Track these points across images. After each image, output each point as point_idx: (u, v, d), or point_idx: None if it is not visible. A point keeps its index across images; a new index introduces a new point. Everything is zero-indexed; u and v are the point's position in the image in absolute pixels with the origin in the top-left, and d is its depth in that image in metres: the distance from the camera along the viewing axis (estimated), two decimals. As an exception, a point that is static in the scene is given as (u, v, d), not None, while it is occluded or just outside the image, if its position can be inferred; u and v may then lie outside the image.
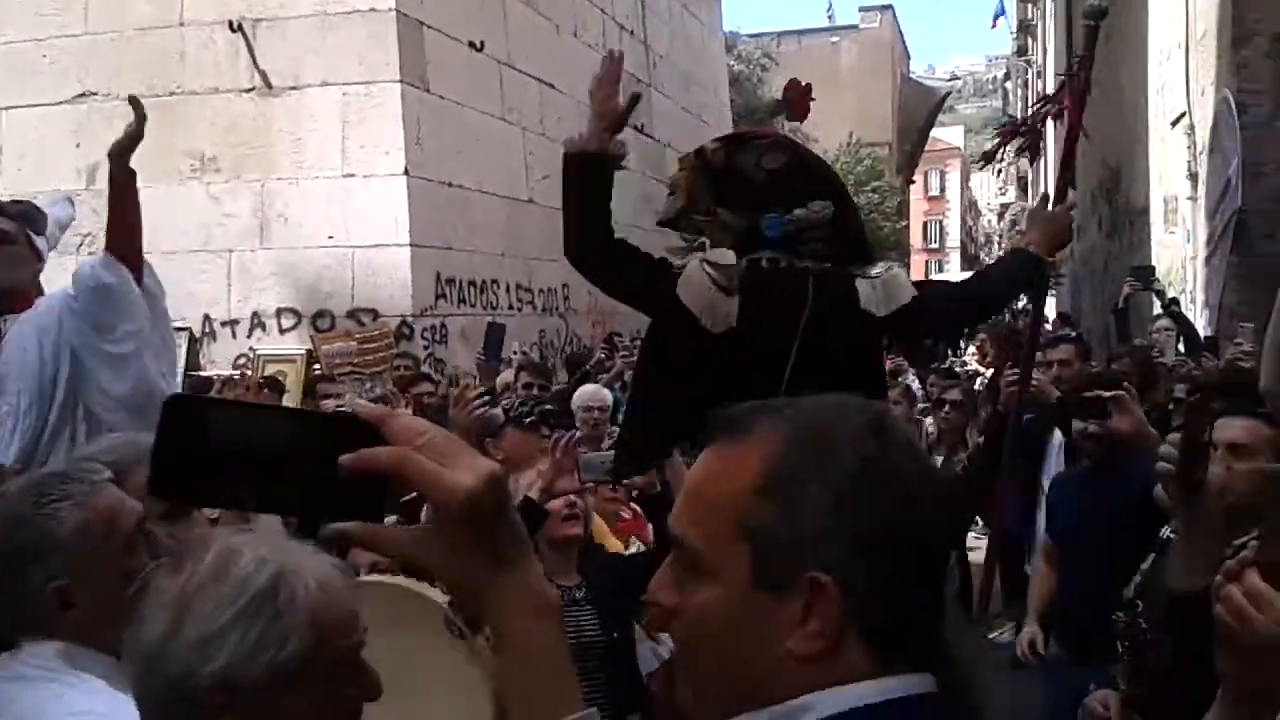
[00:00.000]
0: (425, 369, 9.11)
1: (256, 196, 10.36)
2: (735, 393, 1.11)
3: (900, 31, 53.15)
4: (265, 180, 10.35)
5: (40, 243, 3.73)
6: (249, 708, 1.32)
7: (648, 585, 1.10)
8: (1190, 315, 8.38)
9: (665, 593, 1.07)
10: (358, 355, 9.60)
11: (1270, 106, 7.87)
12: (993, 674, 3.76)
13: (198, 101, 10.41)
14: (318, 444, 0.97)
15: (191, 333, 9.85)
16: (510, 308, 11.88)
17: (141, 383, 3.56)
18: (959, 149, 61.09)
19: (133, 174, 3.54)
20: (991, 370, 8.40)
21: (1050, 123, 4.44)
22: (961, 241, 60.34)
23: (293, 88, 10.33)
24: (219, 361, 10.02)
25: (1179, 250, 10.43)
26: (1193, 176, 9.76)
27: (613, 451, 3.57)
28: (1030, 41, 35.47)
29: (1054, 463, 5.08)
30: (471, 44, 11.53)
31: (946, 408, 6.31)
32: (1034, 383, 4.57)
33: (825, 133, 27.91)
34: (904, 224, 42.16)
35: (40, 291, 3.72)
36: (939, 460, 6.06)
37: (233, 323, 10.32)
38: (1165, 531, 2.96)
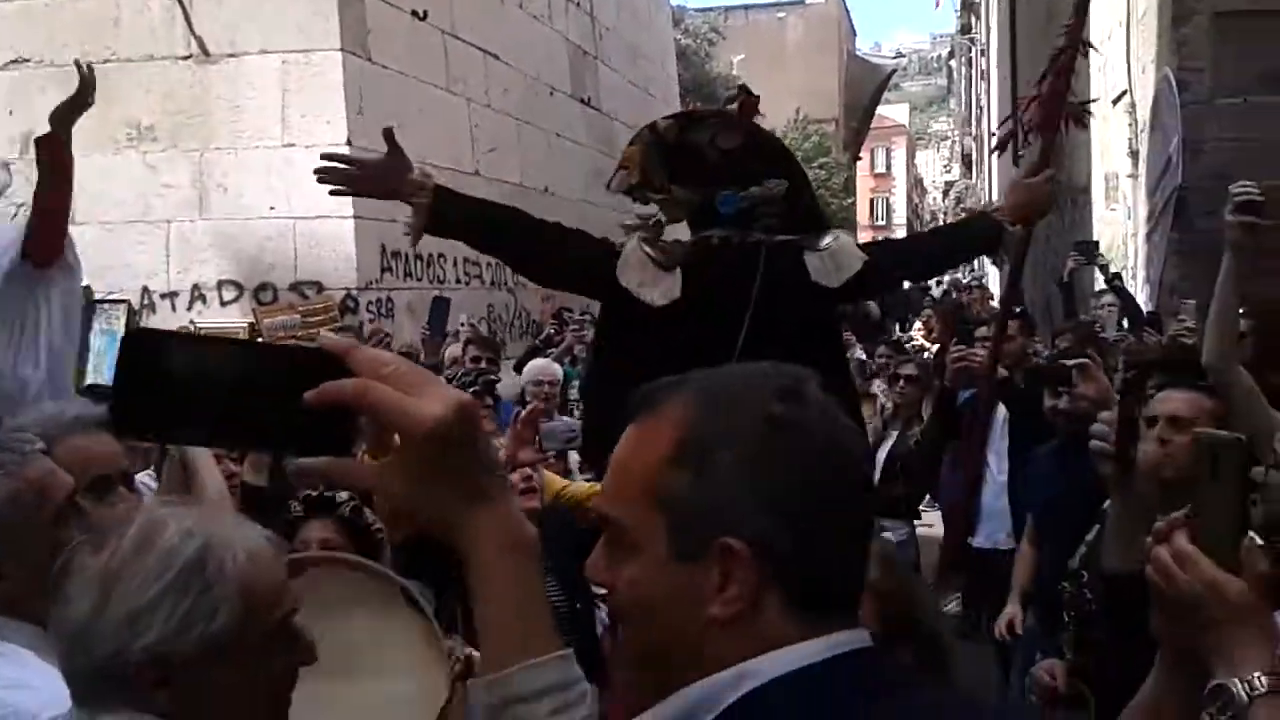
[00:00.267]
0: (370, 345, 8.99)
1: (195, 166, 10.16)
2: (687, 368, 1.09)
3: (846, 7, 53.29)
4: (204, 150, 10.16)
5: None
6: (182, 682, 1.30)
7: None
8: (1131, 291, 8.50)
9: (598, 571, 1.07)
10: (301, 328, 9.46)
11: (1210, 85, 7.97)
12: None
13: (133, 68, 10.17)
14: (283, 378, 0.94)
15: (130, 305, 9.63)
16: (458, 281, 11.77)
17: None
18: (905, 126, 61.50)
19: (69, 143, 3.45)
20: (937, 346, 8.48)
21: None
22: (908, 218, 60.78)
23: (231, 55, 10.12)
24: (158, 334, 9.83)
25: (1120, 227, 10.57)
26: (1134, 154, 9.88)
27: (577, 420, 3.55)
28: (974, 20, 35.73)
29: (998, 438, 5.12)
30: (414, 13, 11.37)
31: (901, 382, 6.34)
32: (978, 358, 4.60)
33: (772, 109, 27.77)
34: (851, 201, 42.43)
35: None
36: (894, 435, 6.12)
37: (172, 295, 10.14)
38: (1108, 504, 3.00)
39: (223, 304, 10.09)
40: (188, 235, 10.16)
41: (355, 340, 1.07)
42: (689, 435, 1.02)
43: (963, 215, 18.41)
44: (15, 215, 9.70)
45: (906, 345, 10.73)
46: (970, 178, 41.63)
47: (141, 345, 0.96)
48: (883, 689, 1.01)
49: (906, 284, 13.10)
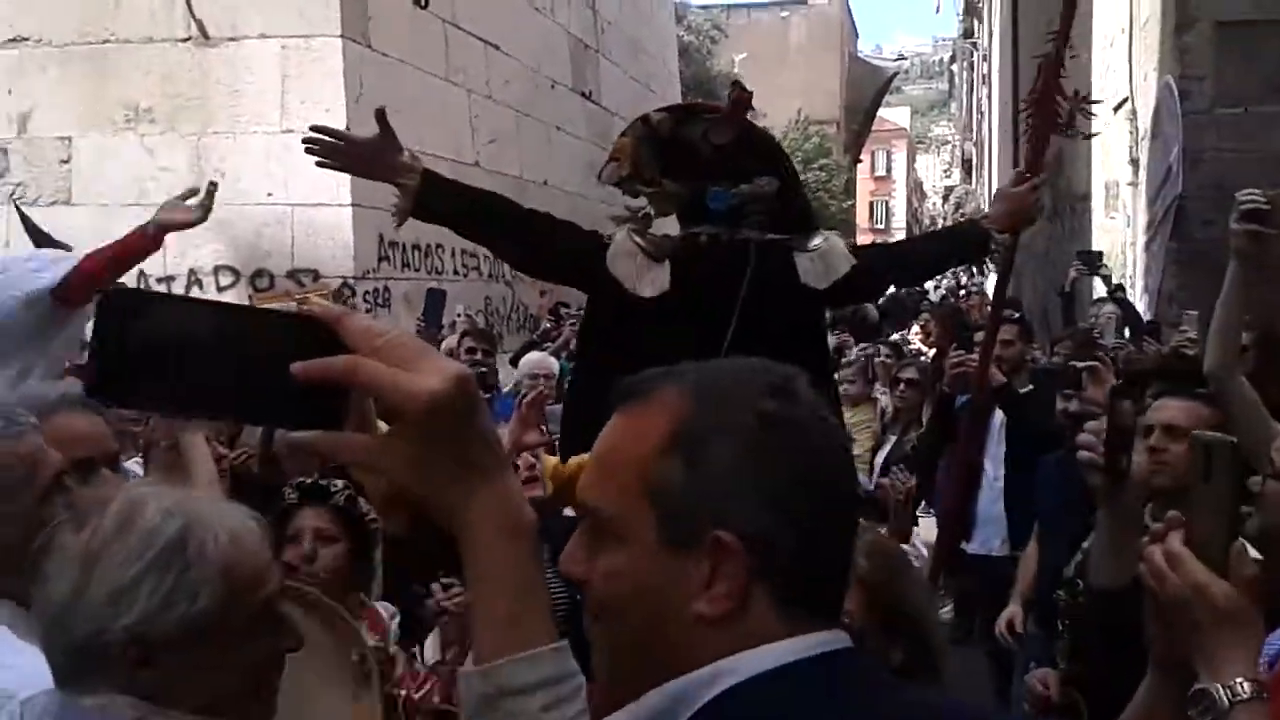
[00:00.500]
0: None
1: (193, 150, 10.09)
2: (673, 363, 1.07)
3: (849, 8, 53.24)
4: (201, 134, 10.09)
5: None
6: (164, 663, 1.29)
7: None
8: (1130, 300, 8.49)
9: (574, 564, 1.04)
10: (296, 315, 9.44)
11: (1212, 94, 7.96)
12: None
13: (132, 50, 10.10)
14: (273, 346, 0.89)
15: (125, 288, 9.61)
16: (456, 273, 11.73)
17: None
18: (905, 130, 61.52)
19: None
20: (935, 350, 8.46)
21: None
22: (907, 222, 60.85)
23: (230, 39, 10.05)
24: (153, 319, 9.79)
25: (1119, 235, 10.56)
26: (1134, 162, 9.87)
27: None
28: (976, 24, 35.73)
29: (995, 443, 5.10)
30: (416, 1, 11.32)
31: (902, 386, 6.32)
32: (973, 363, 4.58)
33: (773, 108, 27.92)
34: (850, 203, 42.43)
35: None
36: (892, 439, 6.10)
37: (168, 279, 10.06)
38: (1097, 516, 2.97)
39: (219, 289, 10.01)
40: (184, 219, 10.10)
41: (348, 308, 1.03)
42: (682, 427, 1.00)
43: (961, 220, 18.43)
44: (13, 194, 9.72)
45: (905, 350, 10.70)
46: (970, 183, 41.68)
47: (120, 306, 0.91)
48: (862, 689, 1.00)
49: (893, 288, 13.09)
